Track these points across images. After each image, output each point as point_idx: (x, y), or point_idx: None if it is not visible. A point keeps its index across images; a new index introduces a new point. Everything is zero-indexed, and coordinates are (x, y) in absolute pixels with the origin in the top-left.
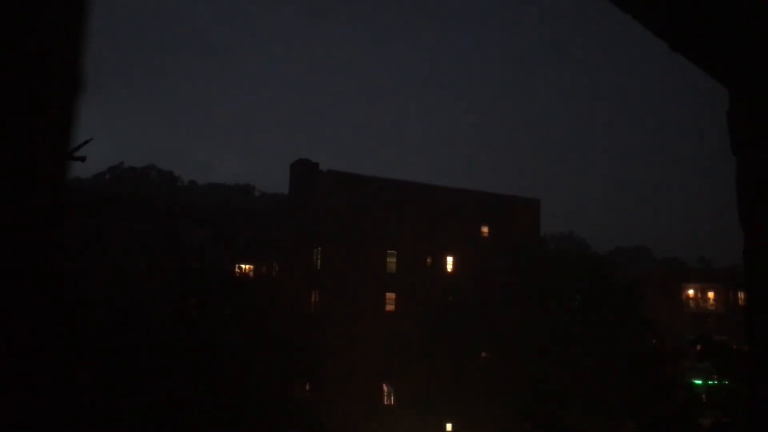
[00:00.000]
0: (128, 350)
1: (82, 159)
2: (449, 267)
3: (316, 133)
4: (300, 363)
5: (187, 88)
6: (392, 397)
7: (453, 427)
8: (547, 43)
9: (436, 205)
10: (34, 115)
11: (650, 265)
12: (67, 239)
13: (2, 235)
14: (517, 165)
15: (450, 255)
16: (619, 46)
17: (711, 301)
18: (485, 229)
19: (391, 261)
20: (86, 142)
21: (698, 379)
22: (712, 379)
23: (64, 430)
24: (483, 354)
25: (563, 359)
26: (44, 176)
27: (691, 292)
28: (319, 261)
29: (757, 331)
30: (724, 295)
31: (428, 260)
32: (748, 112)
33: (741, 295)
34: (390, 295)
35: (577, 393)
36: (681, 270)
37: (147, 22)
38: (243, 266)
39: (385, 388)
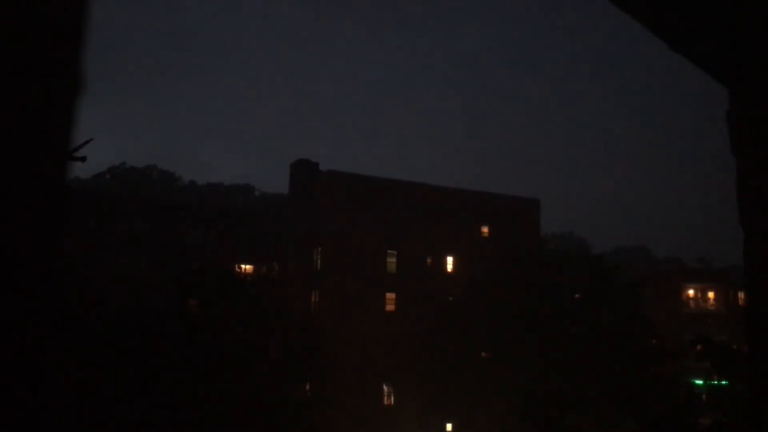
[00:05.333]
0: (128, 350)
1: (83, 159)
2: (449, 267)
3: (316, 133)
4: (300, 363)
5: (187, 87)
6: (392, 397)
7: (453, 427)
8: (547, 43)
9: (436, 205)
10: (34, 115)
11: (650, 265)
12: (67, 239)
13: (2, 235)
14: (517, 165)
15: (450, 255)
16: (619, 46)
17: (711, 301)
18: (485, 229)
19: (391, 261)
20: (87, 142)
21: (698, 379)
22: (712, 379)
23: (64, 430)
24: (483, 354)
25: (563, 359)
26: (44, 176)
27: (691, 292)
28: (319, 261)
29: (757, 331)
30: (724, 295)
31: (428, 260)
32: (748, 112)
33: (741, 295)
34: (390, 295)
35: (577, 393)
36: (681, 270)
37: (148, 21)
38: (243, 266)
39: (385, 388)
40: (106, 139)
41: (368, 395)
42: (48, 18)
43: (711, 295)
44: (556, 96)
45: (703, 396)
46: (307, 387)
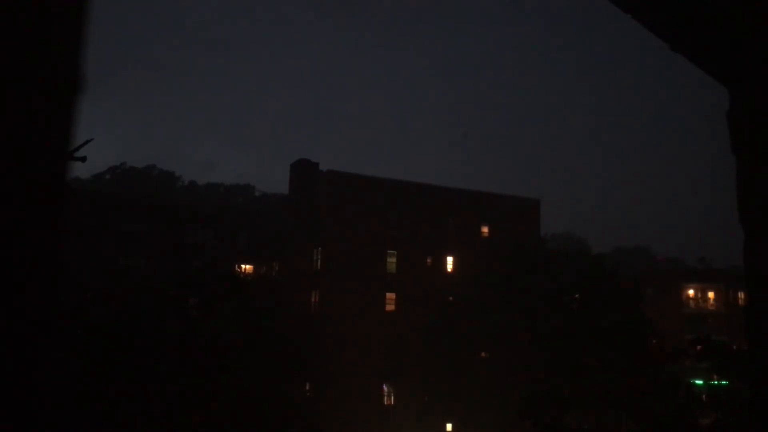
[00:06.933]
0: (128, 350)
1: (83, 159)
2: (449, 267)
3: (316, 133)
4: (300, 363)
5: (187, 87)
6: (392, 397)
7: (453, 427)
8: (548, 43)
9: (436, 205)
10: (34, 115)
11: (650, 265)
12: (67, 239)
13: (2, 234)
14: (517, 165)
15: (450, 255)
16: (619, 46)
17: (711, 301)
18: (485, 229)
19: (391, 261)
20: (87, 142)
21: (698, 379)
22: (712, 379)
23: (63, 430)
24: (483, 354)
25: (563, 359)
26: (44, 176)
27: (691, 292)
28: (319, 261)
29: (757, 331)
30: (724, 295)
31: (428, 260)
32: (748, 112)
33: (741, 295)
34: (390, 295)
35: (576, 393)
36: (681, 270)
37: (148, 21)
38: (243, 266)
39: (385, 388)
40: (106, 139)
41: (368, 395)
42: (48, 18)
43: (711, 295)
44: (557, 96)
45: (703, 396)
46: (307, 387)
